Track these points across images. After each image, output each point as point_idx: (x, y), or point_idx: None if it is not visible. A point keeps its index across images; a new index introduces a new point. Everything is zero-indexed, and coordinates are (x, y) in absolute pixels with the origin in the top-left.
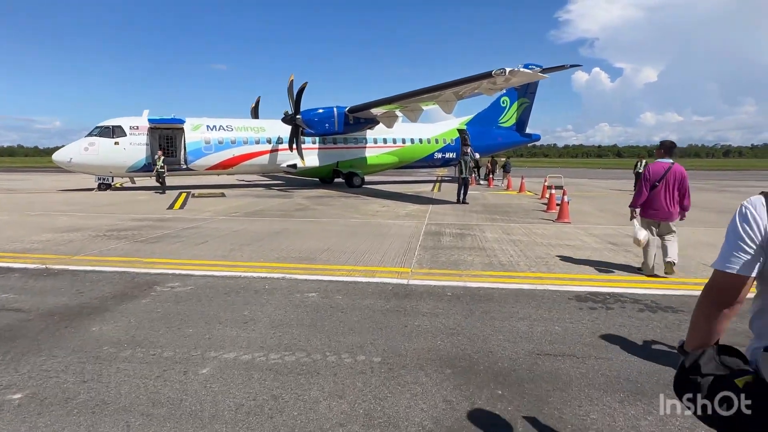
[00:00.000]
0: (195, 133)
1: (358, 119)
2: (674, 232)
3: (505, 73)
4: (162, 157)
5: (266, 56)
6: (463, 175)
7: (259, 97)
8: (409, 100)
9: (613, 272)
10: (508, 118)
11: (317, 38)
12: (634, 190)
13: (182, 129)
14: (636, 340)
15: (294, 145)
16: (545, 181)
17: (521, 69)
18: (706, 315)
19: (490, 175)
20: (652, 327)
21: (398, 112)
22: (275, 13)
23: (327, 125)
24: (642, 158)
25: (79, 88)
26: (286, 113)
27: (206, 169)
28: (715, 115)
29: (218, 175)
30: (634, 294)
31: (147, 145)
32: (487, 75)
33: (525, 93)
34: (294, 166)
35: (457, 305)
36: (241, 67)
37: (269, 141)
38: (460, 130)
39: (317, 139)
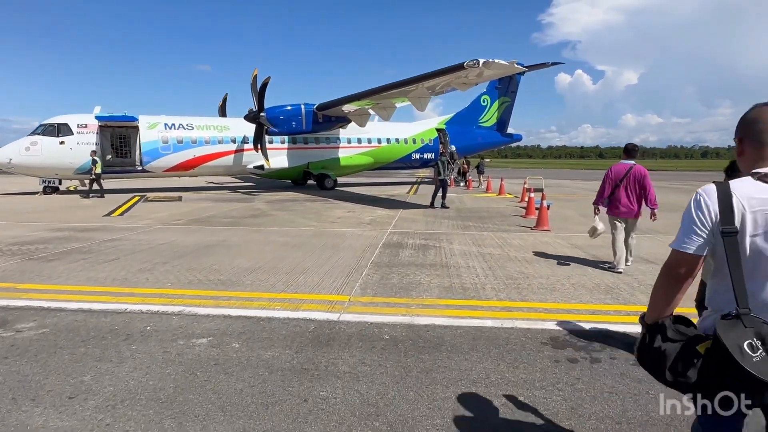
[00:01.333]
0: (151, 131)
1: (328, 117)
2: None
3: (478, 64)
4: (98, 161)
5: (251, 57)
6: (441, 177)
7: (227, 94)
8: (379, 96)
9: (599, 296)
10: (489, 118)
11: (303, 39)
12: None
13: (137, 127)
14: (633, 423)
15: (259, 146)
16: (525, 183)
17: (495, 61)
18: (664, 289)
19: (468, 177)
20: (654, 393)
21: (370, 110)
22: (260, 13)
23: (294, 124)
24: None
25: (56, 89)
26: (250, 110)
27: (164, 171)
28: (693, 117)
29: (179, 177)
30: (625, 333)
31: (97, 144)
32: (459, 67)
33: (506, 92)
34: (261, 167)
35: (391, 358)
36: (225, 68)
37: (234, 141)
38: (438, 130)
39: (286, 138)
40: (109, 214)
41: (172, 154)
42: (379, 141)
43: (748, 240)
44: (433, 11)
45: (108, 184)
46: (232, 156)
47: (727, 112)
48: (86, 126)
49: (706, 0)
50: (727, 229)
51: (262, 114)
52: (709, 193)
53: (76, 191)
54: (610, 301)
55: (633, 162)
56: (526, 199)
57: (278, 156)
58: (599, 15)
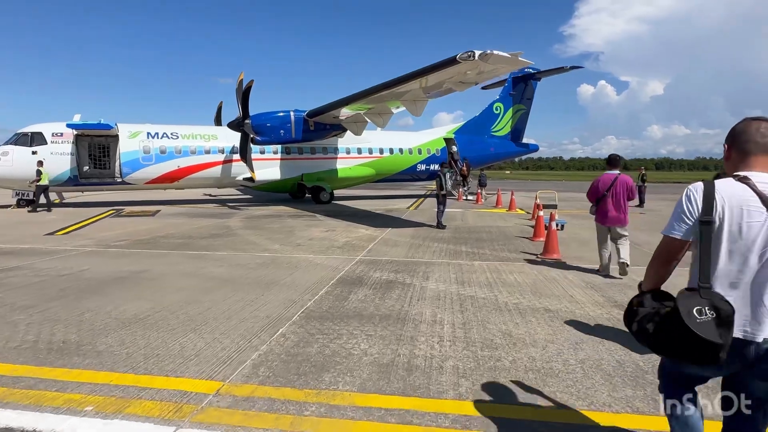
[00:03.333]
0: (132, 141)
1: (320, 125)
2: (626, 236)
3: (473, 56)
4: (42, 172)
5: (277, 71)
6: (443, 192)
7: (221, 102)
8: (371, 99)
9: (624, 392)
10: (502, 127)
11: (325, 48)
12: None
13: (116, 136)
14: None
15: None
16: (536, 198)
17: (494, 53)
18: (655, 267)
19: (475, 186)
20: None
21: (367, 118)
22: (285, 26)
23: (282, 132)
24: (641, 169)
25: (79, 98)
26: (238, 118)
27: (146, 183)
28: (723, 128)
29: (165, 189)
30: None
31: (72, 155)
32: (452, 61)
33: (521, 99)
34: (251, 179)
35: None
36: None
37: (222, 151)
38: (447, 139)
39: (279, 148)
40: (54, 232)
41: (154, 165)
42: (382, 151)
43: (725, 229)
44: (452, 22)
45: (99, 196)
46: (220, 167)
47: None
48: (61, 135)
49: (734, 8)
50: (705, 219)
51: (246, 121)
52: (697, 189)
53: (60, 204)
54: (644, 404)
55: (618, 172)
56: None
57: (270, 167)
58: (622, 25)
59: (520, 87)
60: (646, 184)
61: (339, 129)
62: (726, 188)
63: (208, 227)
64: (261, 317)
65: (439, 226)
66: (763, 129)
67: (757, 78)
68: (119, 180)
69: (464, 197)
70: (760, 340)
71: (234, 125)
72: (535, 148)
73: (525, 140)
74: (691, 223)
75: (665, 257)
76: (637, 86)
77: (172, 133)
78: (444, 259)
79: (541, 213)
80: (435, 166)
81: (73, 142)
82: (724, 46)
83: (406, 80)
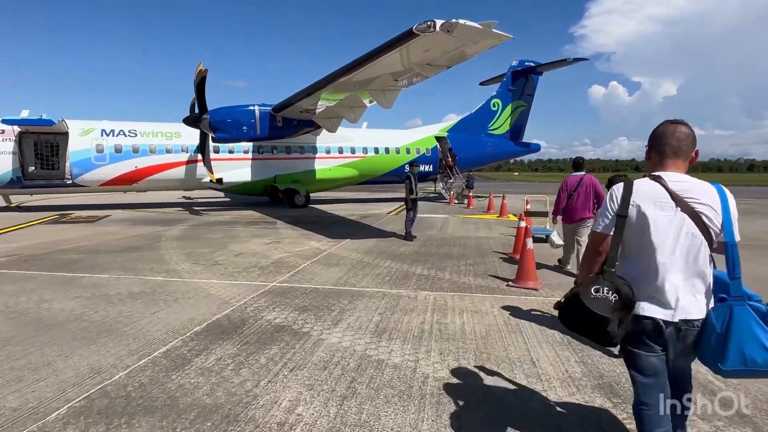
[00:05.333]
0: (84, 139)
1: (290, 121)
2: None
3: (433, 27)
4: None
5: (287, 73)
6: (412, 197)
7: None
8: (335, 88)
9: None
10: (500, 125)
11: (337, 48)
12: None
13: (66, 134)
14: None
15: (206, 155)
16: (527, 204)
17: (460, 22)
18: (587, 260)
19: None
20: None
21: (338, 111)
22: (294, 27)
23: (245, 128)
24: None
25: (78, 98)
26: (195, 113)
27: (100, 185)
28: (737, 129)
29: (125, 192)
30: None
31: (14, 153)
32: (409, 35)
33: (520, 95)
34: (219, 180)
35: None
36: (260, 83)
37: (185, 150)
38: (438, 138)
39: (251, 147)
40: None
41: (109, 166)
42: (366, 151)
43: (640, 223)
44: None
45: (63, 200)
46: (183, 168)
47: None
48: (2, 132)
49: (748, 8)
50: (621, 213)
51: (204, 117)
52: (619, 188)
53: (18, 208)
54: None
55: (583, 173)
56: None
57: (239, 168)
58: (634, 26)
59: (520, 82)
60: None
61: (312, 125)
62: (642, 186)
63: (135, 237)
64: (8, 408)
65: (408, 237)
66: (678, 133)
67: None
68: (69, 182)
69: (455, 201)
70: (676, 320)
71: (190, 121)
72: (537, 148)
73: (528, 140)
74: (611, 218)
75: (592, 251)
76: (649, 87)
77: (129, 131)
78: (383, 288)
79: (523, 223)
80: (426, 167)
81: (15, 140)
82: (739, 46)
83: (364, 62)
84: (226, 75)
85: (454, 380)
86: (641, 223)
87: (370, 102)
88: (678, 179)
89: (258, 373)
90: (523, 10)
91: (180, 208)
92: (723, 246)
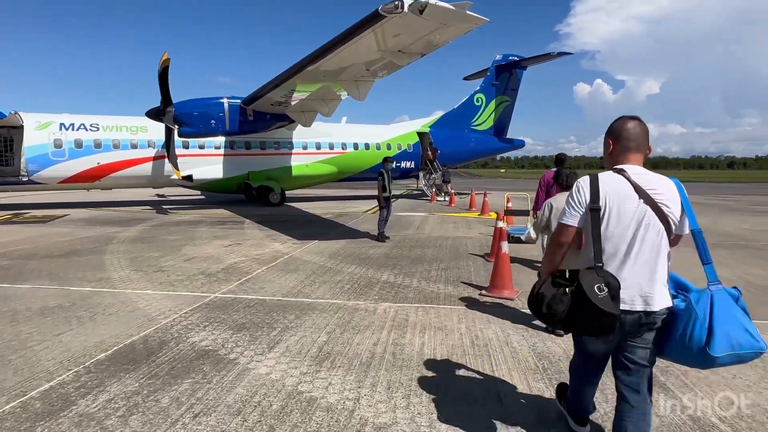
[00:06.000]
0: (40, 133)
1: (261, 115)
2: None
3: (401, 7)
4: None
5: (271, 67)
6: (385, 194)
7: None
8: (305, 77)
9: None
10: (484, 120)
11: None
12: None
13: (20, 128)
14: None
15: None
16: (507, 203)
17: (430, 2)
18: (552, 252)
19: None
20: None
21: (310, 104)
22: (279, 24)
23: (213, 122)
24: None
25: (72, 96)
26: (159, 106)
27: (59, 183)
28: (718, 126)
29: (87, 190)
30: None
31: None
32: (375, 17)
33: (504, 89)
34: (189, 177)
35: None
36: (245, 79)
37: (152, 145)
38: (420, 134)
39: (223, 143)
40: None
41: (68, 162)
42: (345, 146)
43: (608, 214)
44: None
45: (33, 198)
46: (150, 164)
47: (754, 121)
48: None
49: (729, 8)
50: (593, 206)
51: (168, 110)
52: (585, 182)
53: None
54: None
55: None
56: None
57: (210, 165)
58: (618, 24)
59: (504, 77)
60: None
61: (285, 120)
62: (607, 179)
63: (83, 240)
64: None
65: (380, 238)
66: (638, 128)
67: (752, 77)
68: (25, 179)
69: (438, 198)
70: (638, 309)
71: (153, 114)
72: (521, 144)
73: (514, 136)
74: (582, 212)
75: (559, 243)
76: (633, 85)
77: (91, 125)
78: (339, 299)
79: (502, 224)
80: (407, 164)
81: None
82: (719, 46)
83: (331, 48)
84: (215, 71)
85: (398, 428)
86: (607, 215)
87: (345, 95)
88: (639, 172)
89: (152, 421)
90: (509, 8)
91: (148, 207)
92: (676, 239)
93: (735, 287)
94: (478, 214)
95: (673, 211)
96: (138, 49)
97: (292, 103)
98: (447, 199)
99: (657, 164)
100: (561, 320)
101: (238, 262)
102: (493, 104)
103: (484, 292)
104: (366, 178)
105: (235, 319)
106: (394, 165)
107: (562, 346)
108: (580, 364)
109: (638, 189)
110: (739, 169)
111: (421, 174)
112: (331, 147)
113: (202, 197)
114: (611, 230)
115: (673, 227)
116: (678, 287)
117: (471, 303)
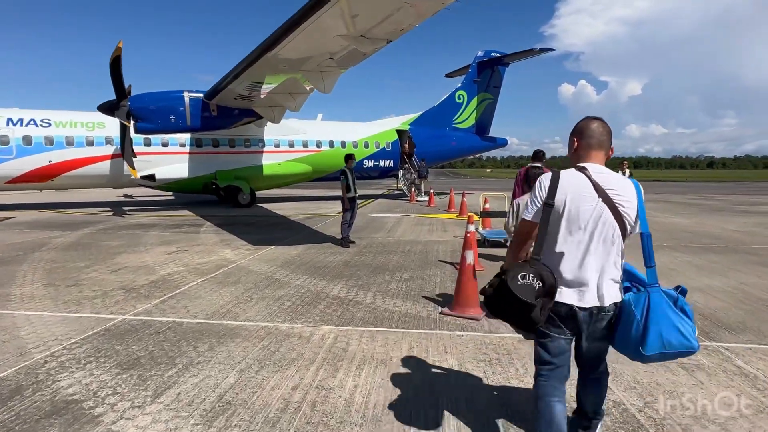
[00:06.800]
0: None
1: (226, 110)
2: None
3: None
4: None
5: None
6: (350, 195)
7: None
8: (264, 68)
9: None
10: (466, 118)
11: None
12: None
13: None
14: None
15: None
16: (485, 203)
17: None
18: (514, 247)
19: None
20: None
21: (276, 98)
22: (264, 22)
23: (173, 117)
24: (625, 166)
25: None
26: (112, 100)
27: (6, 183)
28: (698, 127)
29: (41, 190)
30: None
31: None
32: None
33: (486, 86)
34: (152, 177)
35: None
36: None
37: (110, 142)
38: (399, 131)
39: (188, 140)
40: None
41: (16, 160)
42: (319, 145)
43: (565, 211)
44: (432, 24)
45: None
46: (108, 162)
47: (732, 122)
48: None
49: (707, 12)
50: (548, 202)
51: (123, 103)
52: (546, 178)
53: None
54: None
55: (540, 165)
56: (473, 229)
57: (174, 163)
58: (601, 26)
59: (486, 73)
60: None
61: (252, 115)
62: (568, 177)
63: (11, 246)
64: None
65: (343, 243)
66: (601, 128)
67: (729, 78)
68: None
69: (418, 198)
70: (590, 306)
71: (105, 108)
72: (504, 143)
73: (500, 135)
74: (539, 207)
75: (520, 238)
76: (616, 86)
77: (42, 120)
78: (272, 321)
79: (472, 228)
80: (386, 162)
81: None
82: (697, 48)
83: (288, 31)
84: (200, 69)
85: None
86: (566, 211)
87: (312, 88)
88: (600, 171)
89: None
90: (494, 9)
91: (107, 208)
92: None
93: (678, 287)
94: (456, 216)
95: (629, 212)
96: (105, 38)
97: (258, 97)
98: (426, 199)
99: (639, 164)
100: (491, 306)
101: (173, 273)
102: (475, 102)
103: (446, 310)
104: (337, 178)
105: (130, 353)
106: (373, 164)
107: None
108: (539, 364)
109: (597, 187)
110: (718, 169)
111: (400, 173)
112: (306, 145)
113: (172, 198)
114: (568, 226)
115: (628, 227)
116: (633, 280)
117: (429, 324)
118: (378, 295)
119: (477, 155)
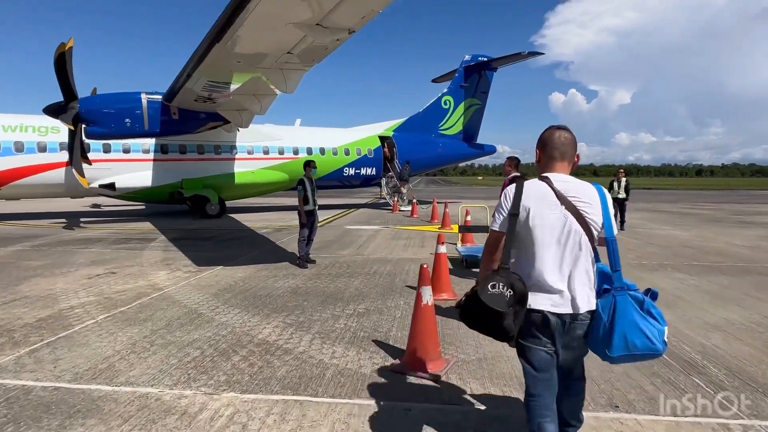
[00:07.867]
0: None
1: (188, 113)
2: None
3: None
4: None
5: None
6: (309, 207)
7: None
8: (216, 64)
9: None
10: (452, 124)
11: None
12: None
13: None
14: None
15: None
16: (466, 215)
17: None
18: (485, 258)
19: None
20: None
21: (239, 100)
22: None
23: (128, 121)
24: (622, 174)
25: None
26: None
27: None
28: (686, 135)
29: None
30: None
31: None
32: None
33: (474, 92)
34: (112, 186)
35: None
36: None
37: (64, 148)
38: (383, 138)
39: (152, 146)
40: None
41: None
42: (296, 152)
43: (530, 221)
44: (422, 31)
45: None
46: (62, 170)
47: (719, 131)
48: None
49: (694, 23)
50: (512, 211)
51: (71, 106)
52: (511, 189)
53: None
54: None
55: (518, 173)
56: (444, 247)
57: (137, 171)
58: (590, 36)
59: (474, 78)
60: (629, 198)
61: (218, 119)
62: (531, 187)
63: None
64: None
65: (301, 262)
66: (563, 138)
67: (715, 88)
68: None
69: (400, 208)
70: (562, 312)
71: (52, 111)
72: (492, 150)
73: (491, 143)
74: (504, 217)
75: (489, 249)
76: (605, 95)
77: None
78: (159, 385)
79: (443, 249)
80: (368, 170)
81: None
82: (684, 58)
83: (229, 20)
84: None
85: None
86: (531, 220)
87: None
88: (563, 179)
89: None
90: (485, 19)
91: (59, 220)
92: (601, 240)
93: (649, 290)
94: (438, 228)
95: (594, 217)
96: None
97: (220, 99)
98: (409, 209)
99: (629, 172)
100: (465, 318)
101: (76, 306)
102: (462, 107)
103: (396, 363)
104: (321, 186)
105: None
106: (354, 172)
107: None
108: (527, 383)
109: (560, 196)
110: (706, 177)
111: (383, 181)
112: (281, 152)
113: (142, 208)
114: (534, 236)
115: (595, 233)
116: (605, 282)
117: (369, 389)
118: (317, 339)
119: (468, 162)
